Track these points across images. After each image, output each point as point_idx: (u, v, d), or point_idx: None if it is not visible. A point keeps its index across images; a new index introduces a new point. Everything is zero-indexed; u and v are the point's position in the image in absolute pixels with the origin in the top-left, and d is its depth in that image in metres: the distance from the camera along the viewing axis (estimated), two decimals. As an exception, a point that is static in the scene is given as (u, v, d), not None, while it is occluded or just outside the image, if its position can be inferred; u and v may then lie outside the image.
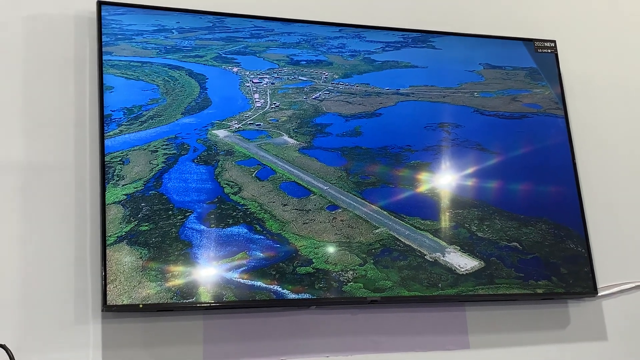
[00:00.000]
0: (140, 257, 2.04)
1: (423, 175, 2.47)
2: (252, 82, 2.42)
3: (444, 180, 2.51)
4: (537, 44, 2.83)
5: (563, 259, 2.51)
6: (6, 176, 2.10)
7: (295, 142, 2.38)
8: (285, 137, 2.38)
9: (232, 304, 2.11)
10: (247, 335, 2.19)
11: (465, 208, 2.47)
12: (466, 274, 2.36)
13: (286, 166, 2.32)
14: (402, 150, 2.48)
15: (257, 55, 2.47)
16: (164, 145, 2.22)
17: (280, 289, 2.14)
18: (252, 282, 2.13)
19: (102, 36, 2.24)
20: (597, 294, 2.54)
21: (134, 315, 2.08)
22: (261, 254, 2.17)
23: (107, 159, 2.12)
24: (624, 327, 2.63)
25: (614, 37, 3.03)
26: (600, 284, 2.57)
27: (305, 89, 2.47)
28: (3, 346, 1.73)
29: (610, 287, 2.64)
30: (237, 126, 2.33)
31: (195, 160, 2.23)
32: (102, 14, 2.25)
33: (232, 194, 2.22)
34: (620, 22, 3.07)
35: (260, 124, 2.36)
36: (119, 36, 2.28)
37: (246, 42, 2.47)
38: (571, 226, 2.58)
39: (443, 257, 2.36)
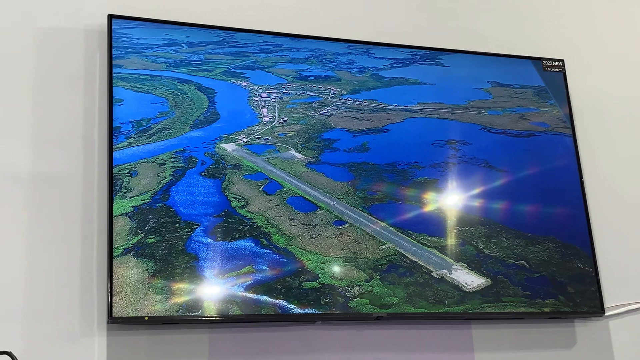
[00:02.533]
0: (147, 270, 2.04)
1: (430, 192, 2.46)
2: (261, 96, 2.43)
3: (451, 197, 2.51)
4: (545, 62, 2.83)
5: (570, 278, 2.50)
6: (14, 187, 2.11)
7: (303, 156, 2.38)
8: (293, 152, 2.38)
9: (238, 318, 2.11)
10: (252, 350, 2.18)
11: (472, 225, 2.46)
12: (473, 291, 2.35)
13: (293, 181, 2.33)
14: (409, 166, 2.48)
15: (266, 70, 2.48)
16: (172, 158, 2.22)
17: (286, 304, 2.14)
18: (258, 296, 2.12)
19: (113, 49, 2.25)
20: (604, 313, 2.53)
21: (140, 327, 2.08)
22: (267, 268, 2.16)
23: (115, 171, 2.12)
24: (630, 347, 2.61)
25: (622, 57, 3.03)
26: (607, 303, 2.56)
27: (313, 104, 2.48)
28: (9, 353, 1.73)
29: (618, 307, 2.63)
30: (244, 140, 2.33)
31: (203, 174, 2.23)
32: (113, 27, 2.27)
33: (239, 207, 2.22)
34: (628, 42, 3.07)
35: (268, 139, 2.37)
36: (129, 49, 2.29)
37: (255, 57, 2.48)
38: (579, 245, 2.57)
39: (450, 274, 2.35)
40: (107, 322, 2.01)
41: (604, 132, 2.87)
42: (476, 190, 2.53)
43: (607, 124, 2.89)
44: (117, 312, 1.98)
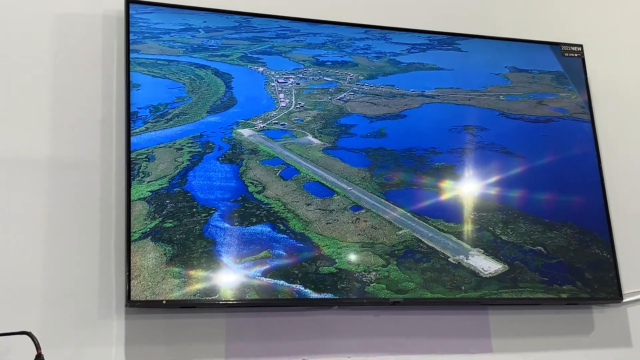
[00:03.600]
0: (164, 254, 2.05)
1: (447, 178, 2.46)
2: (278, 82, 2.43)
3: (468, 183, 2.50)
4: (563, 48, 2.81)
5: (588, 264, 2.49)
6: (33, 172, 2.12)
7: (320, 142, 2.38)
8: (310, 137, 2.38)
9: (255, 302, 2.11)
10: (269, 334, 2.19)
11: (490, 211, 2.45)
12: (490, 277, 2.34)
13: (310, 166, 2.33)
14: (426, 152, 2.47)
15: (283, 55, 2.47)
16: (189, 143, 2.23)
17: (302, 289, 2.14)
18: (275, 280, 2.13)
19: (130, 34, 2.25)
20: (622, 299, 2.52)
21: (157, 311, 2.09)
22: (284, 253, 2.17)
23: (132, 155, 2.13)
24: (649, 334, 2.60)
25: (641, 42, 3.01)
26: (625, 290, 2.54)
27: (330, 90, 2.47)
28: (28, 333, 1.75)
29: (636, 294, 2.61)
30: (261, 125, 2.34)
31: (220, 159, 2.24)
32: (130, 12, 2.27)
33: (256, 192, 2.23)
34: (648, 27, 3.05)
35: (284, 124, 2.37)
36: (147, 34, 2.30)
37: (272, 42, 2.48)
38: (596, 231, 2.55)
39: (466, 259, 2.34)
40: (126, 306, 2.03)
41: (623, 117, 2.85)
42: (493, 176, 2.52)
43: (626, 110, 2.87)
44: (135, 295, 1.99)
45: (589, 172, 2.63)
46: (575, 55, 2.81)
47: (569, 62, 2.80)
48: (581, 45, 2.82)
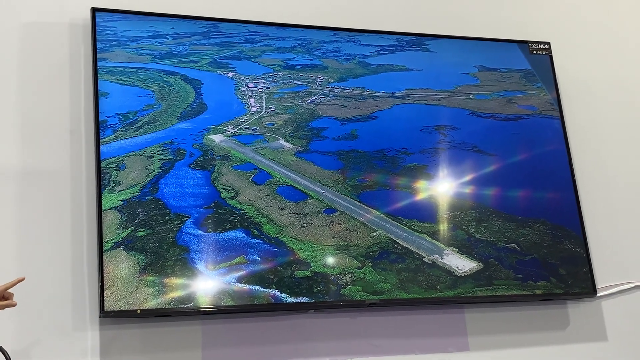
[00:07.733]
0: (138, 263, 2.04)
1: (420, 178, 2.46)
2: (248, 86, 2.42)
3: (441, 182, 2.50)
4: (531, 45, 2.83)
5: (561, 260, 2.51)
6: (2, 183, 2.09)
7: (292, 146, 2.37)
8: (282, 141, 2.37)
9: (231, 308, 2.10)
10: (246, 340, 2.17)
11: (463, 210, 2.46)
12: (465, 275, 2.35)
13: (283, 170, 2.32)
14: (398, 153, 2.48)
15: (252, 60, 2.47)
16: (160, 150, 2.21)
17: (278, 293, 2.13)
18: (250, 286, 2.12)
19: (97, 42, 2.24)
20: (597, 294, 2.54)
21: (132, 321, 2.07)
22: (259, 258, 2.16)
23: (103, 165, 2.11)
24: (623, 327, 2.62)
25: (607, 38, 3.03)
26: (599, 284, 2.57)
27: (300, 93, 2.47)
28: (-1, 348, 1.73)
29: (610, 288, 2.63)
30: (233, 131, 2.33)
31: (192, 165, 2.22)
32: (97, 20, 2.25)
33: (229, 198, 2.21)
34: (613, 23, 3.07)
35: (256, 129, 2.36)
36: (114, 42, 2.28)
37: (241, 47, 2.47)
38: (569, 227, 2.57)
39: (441, 259, 2.35)
40: (100, 316, 2.01)
41: (592, 113, 2.87)
42: (466, 175, 2.53)
43: (595, 105, 2.89)
44: (109, 306, 1.97)
45: (560, 169, 2.65)
46: (543, 52, 2.83)
47: (537, 59, 2.82)
48: (548, 43, 2.85)
